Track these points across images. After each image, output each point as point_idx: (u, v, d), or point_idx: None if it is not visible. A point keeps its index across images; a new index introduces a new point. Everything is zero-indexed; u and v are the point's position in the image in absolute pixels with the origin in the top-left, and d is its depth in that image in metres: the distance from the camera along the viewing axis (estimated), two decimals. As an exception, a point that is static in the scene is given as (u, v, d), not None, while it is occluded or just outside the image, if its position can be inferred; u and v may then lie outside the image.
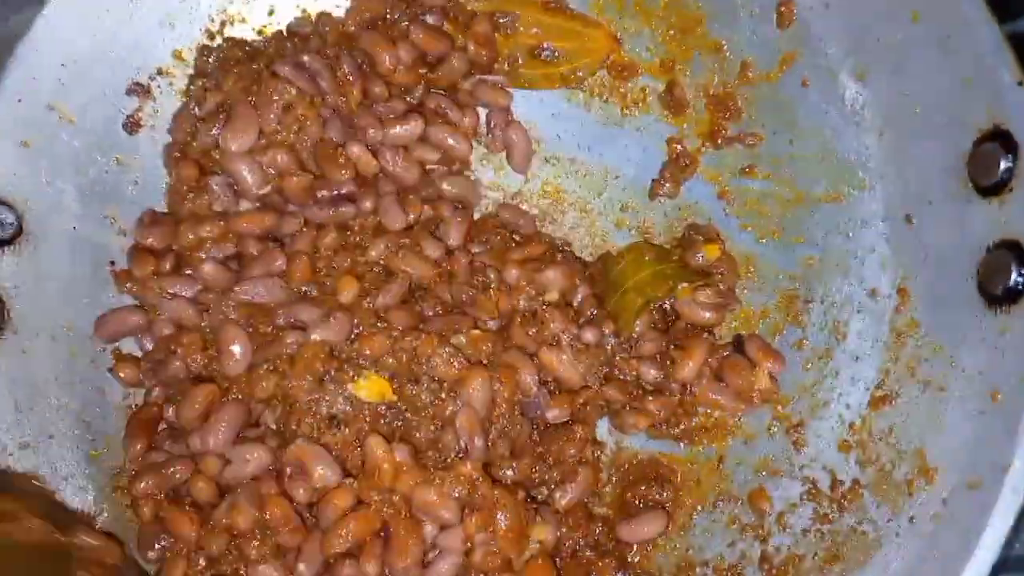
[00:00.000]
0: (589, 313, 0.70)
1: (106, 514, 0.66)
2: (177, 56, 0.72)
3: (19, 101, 0.65)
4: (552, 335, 0.68)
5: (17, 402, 0.65)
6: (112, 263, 0.70)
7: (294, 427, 0.62)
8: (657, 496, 0.69)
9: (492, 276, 0.69)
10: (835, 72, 0.66)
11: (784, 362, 0.68)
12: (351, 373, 0.63)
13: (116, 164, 0.71)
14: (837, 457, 0.64)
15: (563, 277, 0.70)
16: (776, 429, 0.68)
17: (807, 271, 0.70)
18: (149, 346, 0.69)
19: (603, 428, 0.72)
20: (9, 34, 0.68)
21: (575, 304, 0.71)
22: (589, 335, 0.68)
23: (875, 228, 0.65)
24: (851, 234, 0.67)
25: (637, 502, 0.69)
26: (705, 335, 0.70)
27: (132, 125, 0.71)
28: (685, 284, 0.69)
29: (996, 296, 0.55)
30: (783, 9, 0.67)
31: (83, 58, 0.68)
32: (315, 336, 0.64)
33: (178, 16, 0.71)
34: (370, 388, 0.63)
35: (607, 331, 0.69)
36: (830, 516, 0.63)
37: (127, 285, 0.69)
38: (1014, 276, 0.53)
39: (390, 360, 0.64)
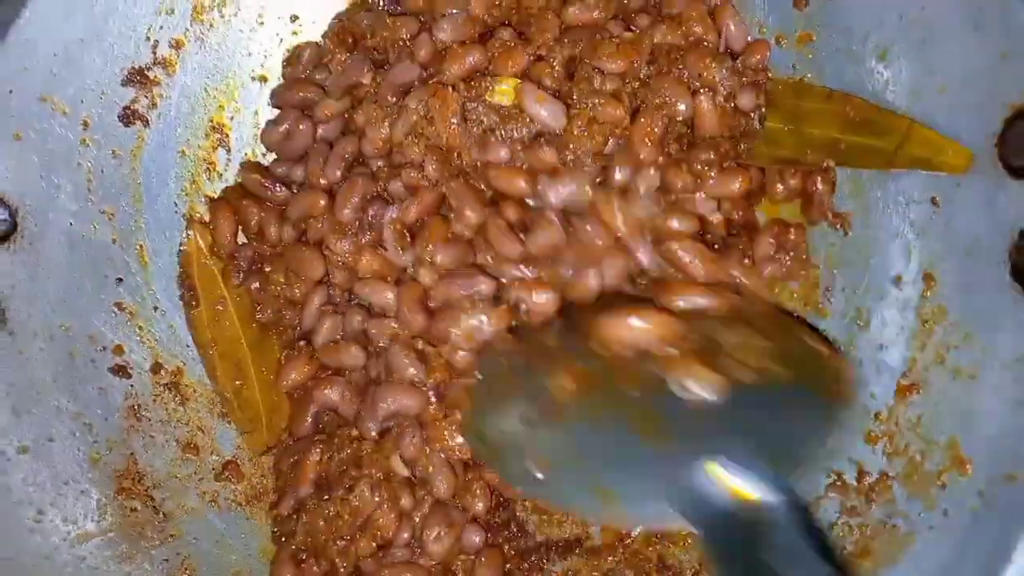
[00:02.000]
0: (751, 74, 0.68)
1: (110, 518, 0.65)
2: (176, 45, 0.70)
3: (10, 92, 0.63)
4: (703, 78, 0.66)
5: (15, 405, 0.63)
6: (120, 280, 0.68)
7: (457, 161, 0.66)
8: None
9: None
10: (855, 51, 0.64)
11: None
12: (484, 85, 0.65)
13: (113, 158, 0.68)
14: (863, 448, 0.62)
15: None
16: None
17: (828, 258, 0.68)
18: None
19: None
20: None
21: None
22: (745, 100, 0.66)
23: (899, 213, 0.63)
24: (873, 219, 0.65)
25: None
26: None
27: (129, 116, 0.69)
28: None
29: (1031, 281, 0.53)
30: (800, -14, 0.66)
31: (75, 47, 0.66)
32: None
33: (175, 2, 0.69)
34: (507, 92, 0.65)
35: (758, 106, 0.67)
36: (858, 509, 0.61)
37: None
38: (1050, 260, 0.52)
39: (547, 68, 0.66)
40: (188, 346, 0.72)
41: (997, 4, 0.53)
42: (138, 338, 0.69)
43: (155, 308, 0.71)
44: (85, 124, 0.66)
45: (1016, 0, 0.52)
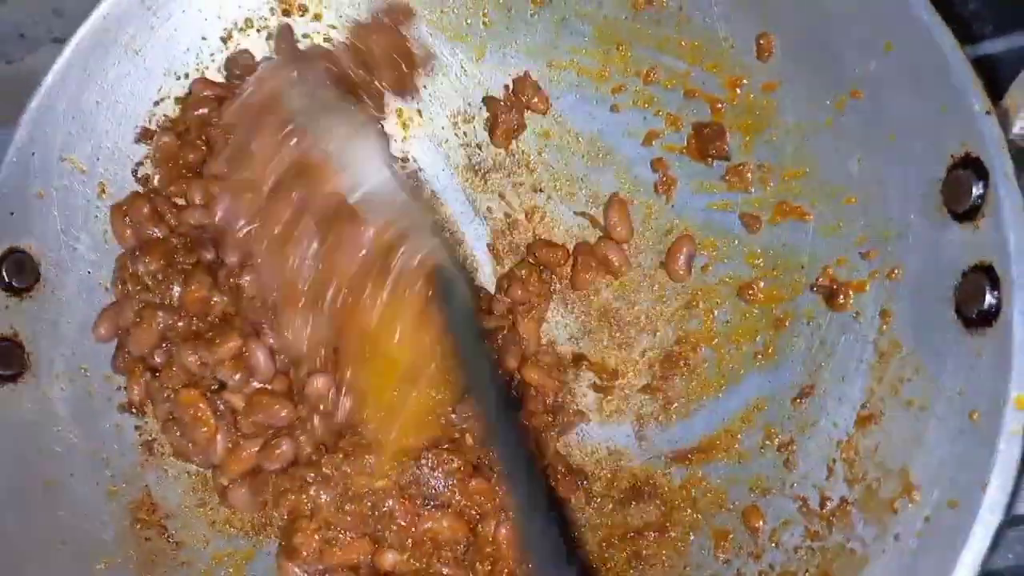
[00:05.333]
0: None
1: (126, 548, 0.69)
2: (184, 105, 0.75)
3: (33, 155, 0.69)
4: None
5: (38, 442, 0.68)
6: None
7: None
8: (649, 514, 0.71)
9: None
10: (815, 101, 0.68)
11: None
12: None
13: (126, 211, 0.74)
14: (826, 475, 0.66)
15: None
16: (768, 447, 0.70)
17: (794, 292, 0.71)
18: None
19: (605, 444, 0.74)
20: (25, 72, 0.71)
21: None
22: None
23: (858, 250, 0.67)
24: (835, 256, 0.69)
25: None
26: None
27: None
28: None
29: (972, 319, 0.56)
30: (762, 41, 0.70)
31: (91, 109, 0.71)
32: None
33: (184, 67, 0.74)
34: None
35: None
36: (820, 534, 0.64)
37: None
38: (988, 299, 0.55)
39: None
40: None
41: (933, 62, 0.57)
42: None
43: (167, 349, 0.76)
44: (101, 183, 0.72)
45: (952, 58, 0.56)
